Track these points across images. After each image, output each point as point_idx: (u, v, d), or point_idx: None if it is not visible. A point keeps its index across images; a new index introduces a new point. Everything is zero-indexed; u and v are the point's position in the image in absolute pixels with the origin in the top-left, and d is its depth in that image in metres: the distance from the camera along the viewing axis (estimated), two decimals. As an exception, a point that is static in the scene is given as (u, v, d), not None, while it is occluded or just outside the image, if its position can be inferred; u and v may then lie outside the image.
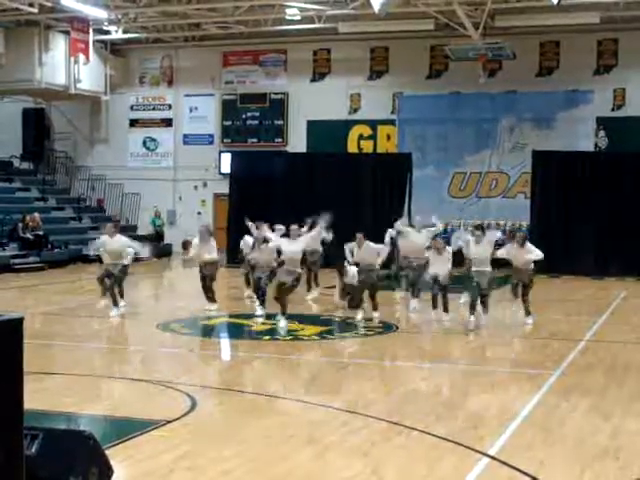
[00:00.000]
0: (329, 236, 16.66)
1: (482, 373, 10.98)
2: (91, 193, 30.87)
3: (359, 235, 14.91)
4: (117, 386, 10.12)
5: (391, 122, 27.89)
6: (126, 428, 7.80)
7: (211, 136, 30.11)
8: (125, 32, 29.00)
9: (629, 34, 25.65)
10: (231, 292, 18.98)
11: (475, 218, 26.07)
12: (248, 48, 29.36)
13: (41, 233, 25.10)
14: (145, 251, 16.90)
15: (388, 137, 28.00)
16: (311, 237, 15.23)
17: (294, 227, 16.15)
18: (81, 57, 27.91)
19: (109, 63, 29.92)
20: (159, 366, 11.41)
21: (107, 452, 5.98)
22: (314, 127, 28.57)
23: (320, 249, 17.50)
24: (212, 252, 15.64)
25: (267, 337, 13.25)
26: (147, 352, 12.44)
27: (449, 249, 15.21)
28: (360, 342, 13.36)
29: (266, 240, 15.03)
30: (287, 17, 26.48)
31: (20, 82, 27.38)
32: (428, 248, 15.63)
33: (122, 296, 15.67)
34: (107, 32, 28.95)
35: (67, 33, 27.52)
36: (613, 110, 26.16)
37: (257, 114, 29.31)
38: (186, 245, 16.20)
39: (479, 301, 13.90)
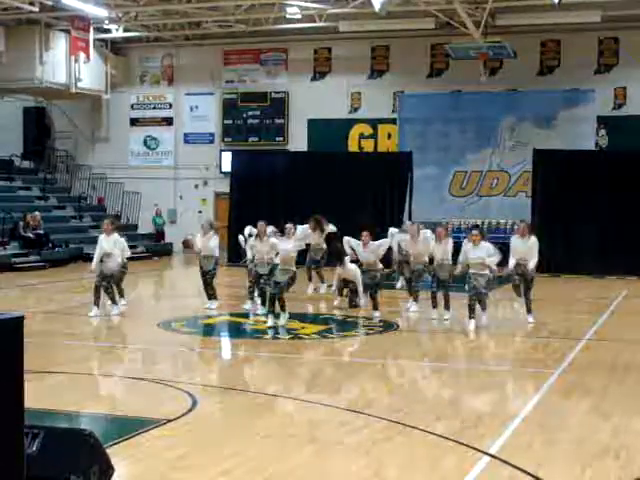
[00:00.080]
0: (332, 228, 16.89)
1: (483, 372, 10.98)
2: (92, 192, 30.85)
3: (365, 234, 14.92)
4: (118, 385, 10.11)
5: (392, 121, 27.88)
6: (127, 427, 7.80)
7: (212, 135, 30.11)
8: (126, 31, 29.02)
9: (630, 33, 25.61)
10: (232, 291, 18.97)
11: (476, 217, 26.14)
12: (249, 47, 29.35)
13: (42, 232, 25.09)
14: (115, 262, 14.77)
15: (389, 136, 27.99)
16: (296, 238, 15.34)
17: (289, 226, 16.15)
18: (82, 56, 27.93)
19: (110, 62, 29.90)
20: (160, 365, 11.41)
21: (108, 451, 5.96)
22: (315, 126, 28.56)
23: (324, 246, 17.51)
24: (211, 246, 15.65)
25: (267, 336, 13.27)
26: (148, 351, 12.43)
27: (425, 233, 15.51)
28: (361, 341, 13.38)
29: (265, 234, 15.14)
30: (288, 16, 26.46)
31: (21, 81, 27.39)
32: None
33: (122, 295, 15.67)
34: (108, 31, 28.96)
35: (68, 32, 27.54)
36: (614, 109, 26.15)
37: (258, 113, 29.30)
38: (186, 244, 16.17)
39: (476, 301, 13.85)
